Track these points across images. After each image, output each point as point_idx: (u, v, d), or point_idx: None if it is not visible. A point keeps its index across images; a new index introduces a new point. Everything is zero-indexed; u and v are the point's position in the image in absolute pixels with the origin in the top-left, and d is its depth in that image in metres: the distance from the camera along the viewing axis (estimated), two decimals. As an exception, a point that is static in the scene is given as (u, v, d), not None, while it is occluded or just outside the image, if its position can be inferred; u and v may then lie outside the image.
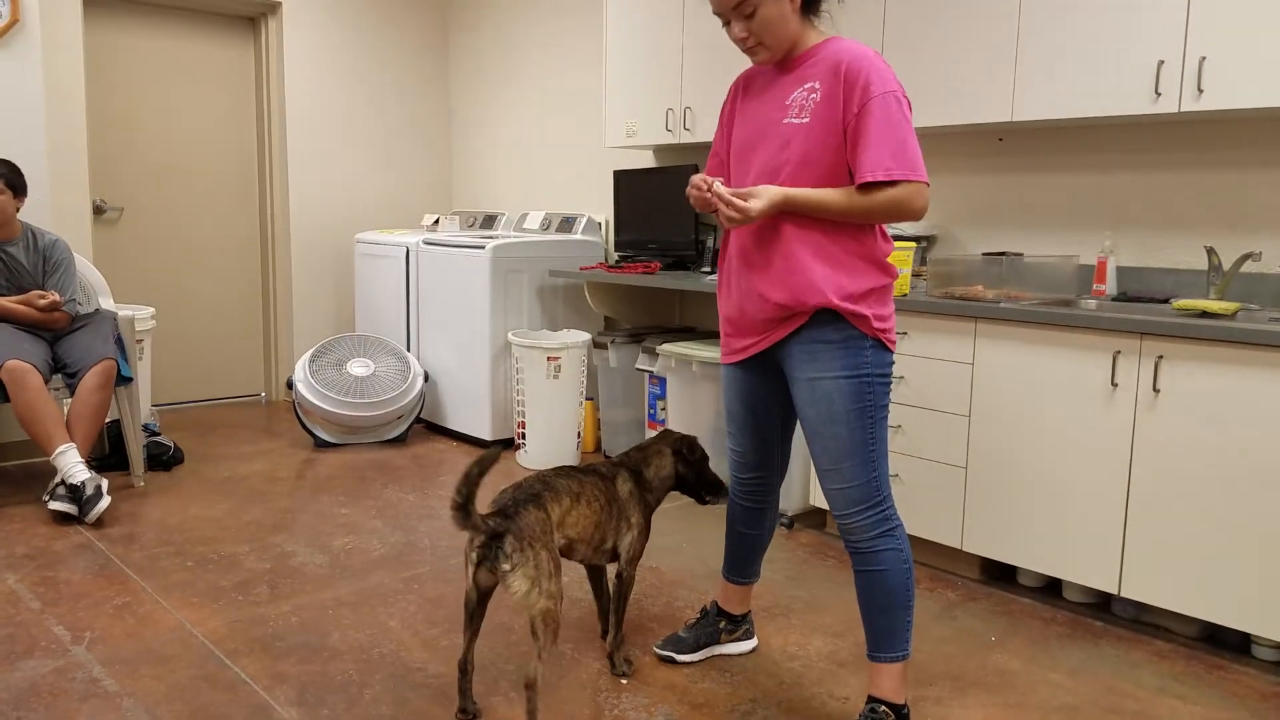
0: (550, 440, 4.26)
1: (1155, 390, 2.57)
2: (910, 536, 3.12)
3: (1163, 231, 3.12)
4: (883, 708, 2.11)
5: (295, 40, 5.40)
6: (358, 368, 4.66)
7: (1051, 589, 3.01)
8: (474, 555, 2.06)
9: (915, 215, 1.98)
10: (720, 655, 2.53)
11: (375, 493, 3.90)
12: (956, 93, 3.21)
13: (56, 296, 3.69)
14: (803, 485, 3.54)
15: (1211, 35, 2.64)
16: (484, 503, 2.09)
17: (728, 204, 1.96)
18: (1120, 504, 2.66)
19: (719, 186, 1.98)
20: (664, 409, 3.99)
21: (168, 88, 5.22)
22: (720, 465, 3.87)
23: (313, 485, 3.99)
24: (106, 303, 4.18)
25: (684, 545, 3.36)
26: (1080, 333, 2.70)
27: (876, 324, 2.03)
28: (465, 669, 2.18)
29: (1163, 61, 2.73)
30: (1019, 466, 2.87)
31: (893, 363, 2.09)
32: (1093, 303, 3.01)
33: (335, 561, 3.14)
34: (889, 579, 2.08)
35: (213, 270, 5.49)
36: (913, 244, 3.23)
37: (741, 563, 2.49)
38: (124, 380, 3.77)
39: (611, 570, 2.48)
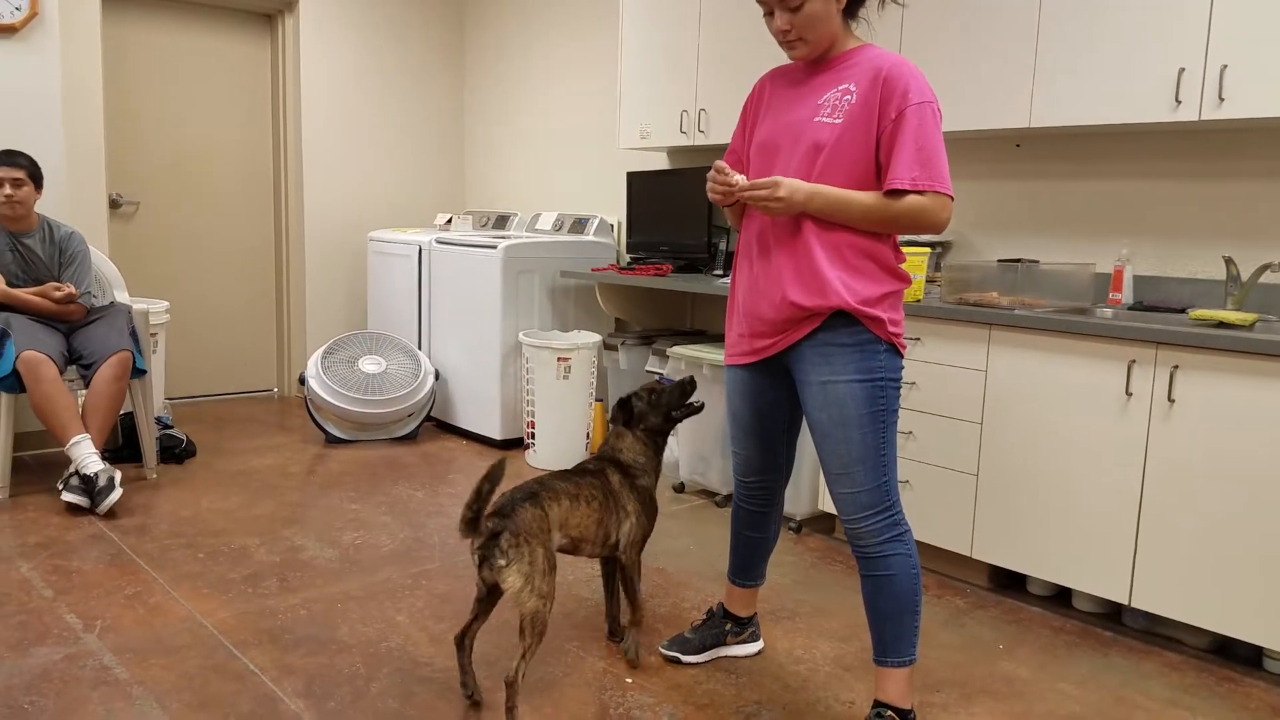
0: (559, 441, 4.26)
1: (1170, 400, 2.56)
2: (919, 543, 3.11)
3: (1180, 241, 3.10)
4: (889, 712, 2.11)
5: (312, 37, 5.43)
6: (369, 365, 4.68)
7: (1061, 598, 3.00)
8: (475, 557, 2.11)
9: (937, 228, 1.98)
10: (726, 657, 2.53)
11: (385, 489, 3.91)
12: (974, 98, 3.20)
13: (72, 289, 3.72)
14: (811, 489, 3.53)
15: (1233, 44, 2.63)
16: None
17: (750, 189, 1.96)
18: (1132, 514, 2.65)
19: (739, 177, 1.98)
20: (674, 411, 3.98)
21: (184, 83, 5.25)
22: (726, 469, 3.87)
23: (323, 480, 4.00)
24: (121, 296, 4.20)
25: (691, 547, 3.36)
26: (1095, 341, 2.69)
27: (891, 328, 2.03)
28: (461, 644, 2.24)
29: (1184, 69, 2.72)
30: (1031, 474, 2.86)
31: (904, 368, 2.08)
32: (1108, 311, 3.00)
33: (345, 556, 3.15)
34: (897, 584, 2.08)
35: (227, 265, 5.51)
36: (927, 250, 3.23)
37: (747, 566, 2.49)
38: (138, 373, 3.80)
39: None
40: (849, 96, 1.99)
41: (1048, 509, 2.83)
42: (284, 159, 5.55)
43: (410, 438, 4.75)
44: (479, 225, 5.57)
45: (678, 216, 4.44)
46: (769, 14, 2.03)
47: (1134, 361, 2.61)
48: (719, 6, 4.05)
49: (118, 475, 3.48)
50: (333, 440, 4.64)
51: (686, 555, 3.28)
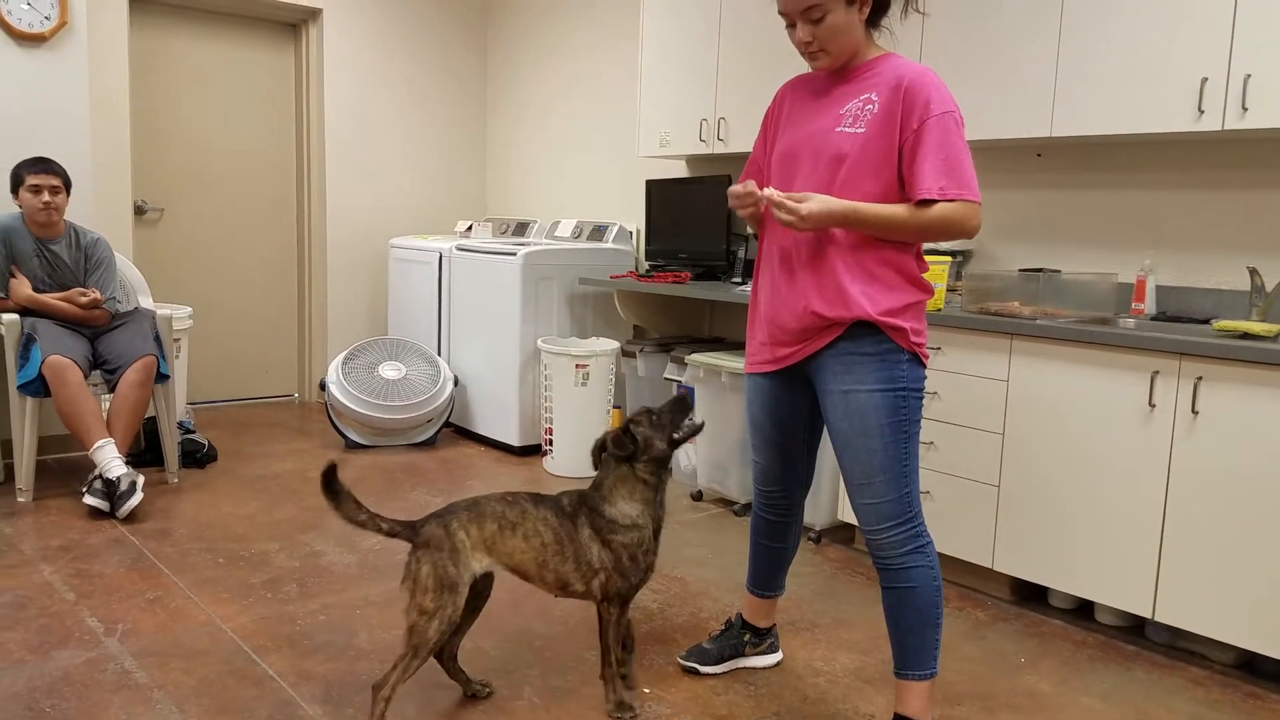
0: (577, 447, 4.26)
1: (1194, 412, 2.53)
2: (940, 554, 3.09)
3: (1204, 251, 3.07)
4: (909, 725, 2.10)
5: (335, 47, 5.47)
6: (389, 371, 4.70)
7: (1083, 611, 2.97)
8: None
9: (968, 234, 1.98)
10: (744, 668, 2.51)
11: (404, 494, 3.92)
12: (996, 108, 3.19)
13: (97, 294, 3.76)
14: (831, 500, 3.52)
15: (1257, 53, 2.61)
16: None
17: (779, 206, 1.94)
18: (1156, 526, 2.62)
19: (770, 191, 1.96)
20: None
21: (209, 91, 5.30)
22: (744, 477, 3.86)
23: (342, 486, 4.02)
24: (145, 301, 4.24)
25: (710, 556, 3.35)
26: (1118, 352, 2.67)
27: (914, 338, 2.02)
28: (439, 656, 2.25)
29: (1206, 79, 2.70)
30: (1053, 486, 2.84)
31: (926, 378, 2.07)
32: (1131, 322, 2.97)
33: (364, 561, 3.16)
34: (918, 596, 2.06)
35: (249, 272, 5.55)
36: (948, 259, 3.21)
37: (766, 576, 2.48)
38: (161, 378, 3.82)
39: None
40: (871, 106, 1.99)
41: (1070, 521, 2.80)
42: (307, 166, 5.59)
43: (429, 443, 4.76)
44: (499, 232, 5.59)
45: (697, 224, 4.44)
46: (791, 25, 2.03)
47: (1157, 373, 2.59)
48: (739, 15, 4.05)
49: (140, 479, 3.51)
50: (352, 445, 4.66)
51: (705, 564, 3.27)
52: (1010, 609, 2.99)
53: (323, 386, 4.66)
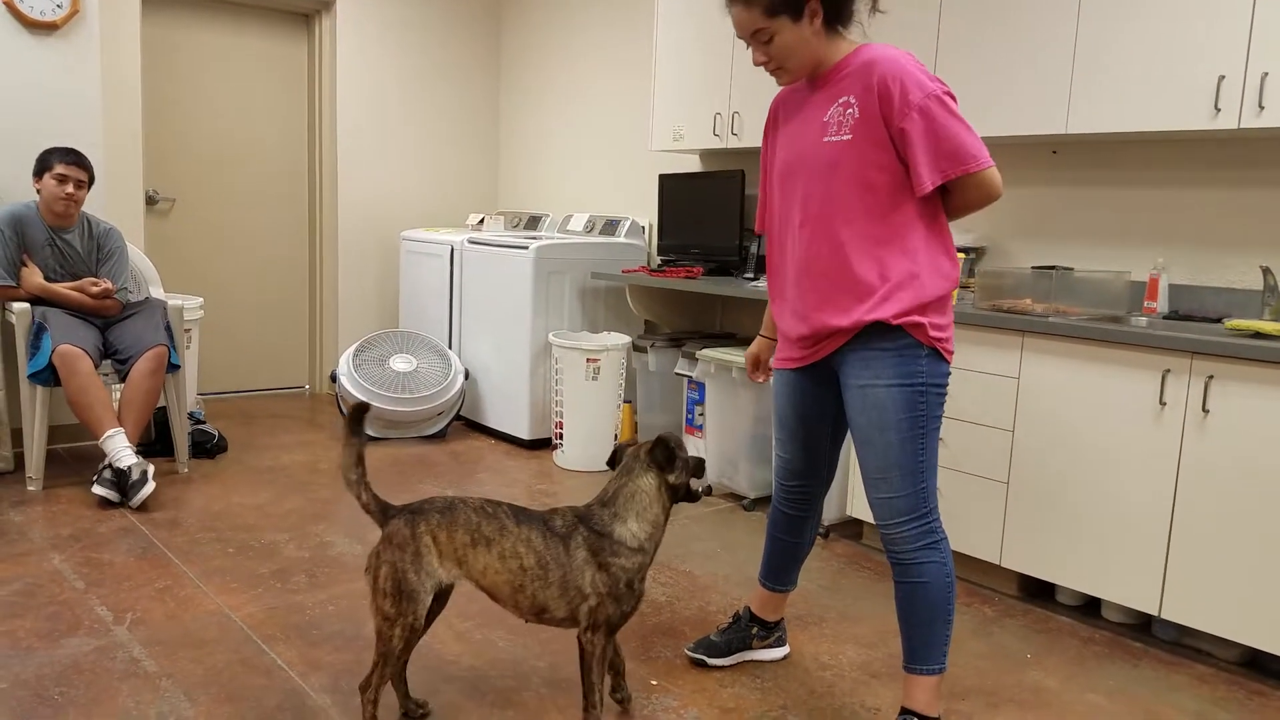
0: (587, 442, 4.27)
1: (1205, 411, 2.52)
2: (948, 550, 3.09)
3: (1217, 249, 3.06)
4: (915, 719, 2.09)
5: (348, 37, 5.47)
6: (400, 363, 4.71)
7: (1090, 608, 2.96)
8: None
9: (993, 198, 2.00)
10: (752, 661, 2.52)
11: (413, 487, 3.93)
12: (1010, 103, 3.17)
13: (109, 284, 3.77)
14: (839, 495, 3.51)
15: (1275, 51, 2.59)
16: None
17: None
18: (1164, 524, 2.62)
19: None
20: (702, 414, 3.98)
21: (222, 82, 5.31)
22: (766, 471, 3.86)
23: (352, 477, 4.03)
24: (156, 292, 4.26)
25: (719, 550, 3.35)
26: (1129, 350, 2.66)
27: (933, 332, 2.01)
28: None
29: (1223, 77, 2.68)
30: (1062, 483, 2.83)
31: (949, 373, 2.06)
32: (1143, 320, 2.96)
33: (372, 553, 3.17)
34: (930, 592, 2.06)
35: (261, 263, 5.57)
36: (961, 255, 3.20)
37: (780, 570, 2.48)
38: (172, 368, 3.84)
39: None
40: (851, 110, 1.98)
41: (1078, 518, 2.79)
42: (319, 157, 5.60)
43: (439, 436, 4.77)
44: (511, 226, 5.59)
45: (709, 219, 4.43)
46: (749, 47, 2.05)
47: (1168, 371, 2.58)
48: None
49: (150, 469, 3.53)
50: (362, 437, 4.66)
51: (713, 558, 3.27)
52: (1017, 605, 2.98)
53: (333, 378, 4.67)
